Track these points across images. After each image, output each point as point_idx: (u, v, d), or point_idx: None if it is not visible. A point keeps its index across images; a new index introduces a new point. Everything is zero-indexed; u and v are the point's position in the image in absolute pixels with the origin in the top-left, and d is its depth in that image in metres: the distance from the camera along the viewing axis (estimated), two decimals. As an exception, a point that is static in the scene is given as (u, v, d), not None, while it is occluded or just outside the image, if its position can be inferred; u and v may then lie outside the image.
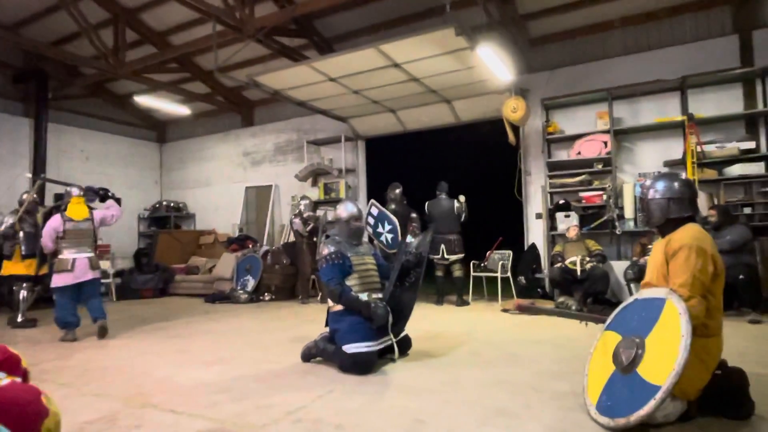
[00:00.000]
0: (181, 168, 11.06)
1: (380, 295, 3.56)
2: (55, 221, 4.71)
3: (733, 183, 5.88)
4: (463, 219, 6.53)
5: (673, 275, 2.33)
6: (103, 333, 4.65)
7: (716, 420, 2.26)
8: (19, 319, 5.28)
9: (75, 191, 4.92)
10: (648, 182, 2.67)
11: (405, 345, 3.66)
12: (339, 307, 3.48)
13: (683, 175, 2.69)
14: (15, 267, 5.48)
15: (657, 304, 2.29)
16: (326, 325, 3.61)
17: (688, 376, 2.06)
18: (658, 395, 2.01)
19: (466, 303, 6.45)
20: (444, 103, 7.52)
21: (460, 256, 6.48)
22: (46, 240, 4.72)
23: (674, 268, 2.34)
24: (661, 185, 2.55)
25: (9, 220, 5.69)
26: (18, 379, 1.55)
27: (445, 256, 6.43)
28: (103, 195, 5.10)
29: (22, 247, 5.53)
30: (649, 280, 2.53)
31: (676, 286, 2.28)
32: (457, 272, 6.50)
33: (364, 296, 3.49)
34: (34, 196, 5.97)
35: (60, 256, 4.65)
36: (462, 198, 6.57)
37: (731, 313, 4.83)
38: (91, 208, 4.95)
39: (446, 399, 2.68)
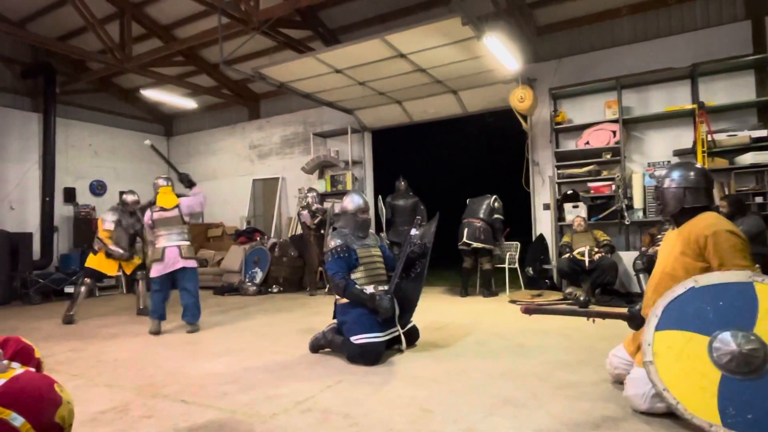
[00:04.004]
0: (189, 161, 11.10)
1: (386, 287, 3.57)
2: (146, 216, 4.91)
3: (744, 172, 5.79)
4: (494, 217, 6.44)
5: (722, 262, 2.23)
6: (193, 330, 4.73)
7: None
8: (71, 312, 5.38)
9: (161, 182, 5.00)
10: (663, 171, 2.60)
11: (412, 336, 3.68)
12: (346, 300, 3.49)
13: (698, 165, 2.63)
14: (99, 263, 5.58)
15: (742, 290, 2.03)
16: (334, 316, 3.63)
17: None
18: None
19: (494, 294, 6.41)
20: (450, 94, 7.47)
21: (486, 246, 6.35)
22: (148, 233, 4.97)
23: (720, 255, 2.25)
24: (676, 174, 2.52)
25: (110, 219, 5.64)
26: (32, 370, 1.58)
27: (466, 240, 6.32)
28: (189, 182, 5.09)
29: (110, 247, 5.55)
30: (665, 270, 2.48)
31: (739, 268, 2.16)
32: (486, 265, 6.45)
33: (370, 288, 3.49)
34: (136, 197, 6.03)
35: (156, 246, 4.74)
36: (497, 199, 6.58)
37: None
38: (179, 196, 4.97)
39: (453, 389, 2.69)
